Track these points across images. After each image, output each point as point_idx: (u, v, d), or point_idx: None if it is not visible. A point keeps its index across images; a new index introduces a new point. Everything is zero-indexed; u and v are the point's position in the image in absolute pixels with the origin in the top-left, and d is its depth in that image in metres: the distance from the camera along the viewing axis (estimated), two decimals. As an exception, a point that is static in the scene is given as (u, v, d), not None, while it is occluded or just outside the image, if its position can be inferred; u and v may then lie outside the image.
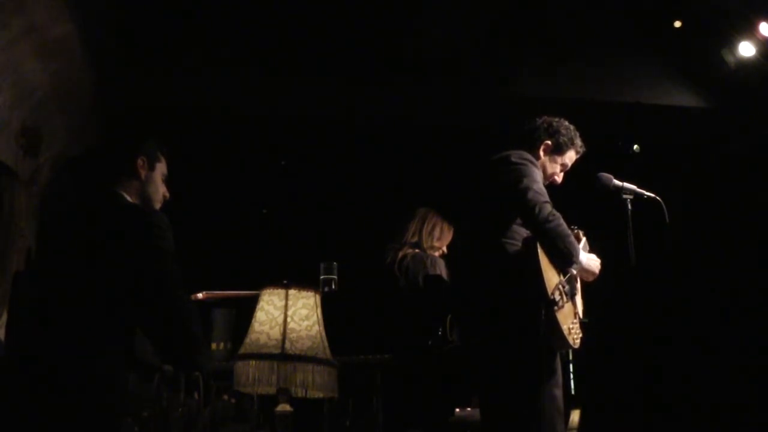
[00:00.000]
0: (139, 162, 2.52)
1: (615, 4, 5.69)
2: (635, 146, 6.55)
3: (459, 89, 5.85)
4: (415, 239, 4.11)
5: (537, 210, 2.81)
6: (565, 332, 2.77)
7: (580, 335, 2.92)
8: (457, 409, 4.05)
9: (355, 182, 6.63)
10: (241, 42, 5.40)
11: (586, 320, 3.01)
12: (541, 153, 3.17)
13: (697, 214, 5.87)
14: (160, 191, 2.58)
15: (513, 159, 2.98)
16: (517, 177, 2.90)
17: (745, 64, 5.57)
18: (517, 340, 2.81)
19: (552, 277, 2.81)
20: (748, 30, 5.43)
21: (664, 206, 3.18)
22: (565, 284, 2.85)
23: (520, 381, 2.83)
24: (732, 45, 5.56)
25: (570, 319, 2.87)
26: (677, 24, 5.71)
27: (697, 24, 5.68)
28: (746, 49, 5.50)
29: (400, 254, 4.07)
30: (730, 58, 5.60)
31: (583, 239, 3.15)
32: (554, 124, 3.20)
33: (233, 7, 5.30)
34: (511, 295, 2.80)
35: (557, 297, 2.77)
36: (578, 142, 3.22)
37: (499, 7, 5.51)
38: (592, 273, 3.00)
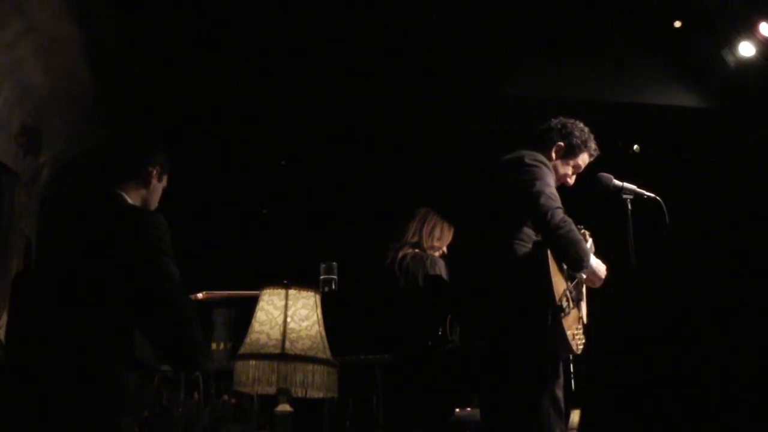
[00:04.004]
0: (152, 171, 2.52)
1: (615, 3, 5.69)
2: (635, 146, 6.55)
3: (459, 89, 5.85)
4: (416, 239, 4.10)
5: (549, 216, 2.77)
6: (570, 338, 2.77)
7: (584, 341, 2.91)
8: (457, 409, 4.04)
9: (355, 182, 6.63)
10: (241, 42, 5.40)
11: (586, 321, 3.01)
12: (554, 154, 3.11)
13: (697, 214, 5.87)
14: (157, 202, 2.59)
15: (527, 160, 2.94)
16: (530, 180, 2.87)
17: (745, 64, 5.56)
18: (522, 343, 2.80)
19: (560, 283, 2.80)
20: (748, 30, 5.43)
21: (664, 206, 3.17)
22: (572, 290, 2.85)
23: (524, 383, 2.81)
24: (732, 45, 5.55)
25: (575, 325, 2.86)
26: (677, 24, 5.70)
27: (697, 24, 5.68)
28: (746, 49, 5.49)
29: (400, 254, 4.06)
30: (730, 58, 5.60)
31: (590, 240, 3.13)
32: (568, 125, 3.15)
33: (233, 7, 5.30)
34: (519, 299, 2.79)
35: (564, 303, 2.76)
36: (592, 144, 3.16)
37: (498, 7, 5.51)
38: (599, 278, 2.98)
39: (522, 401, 2.82)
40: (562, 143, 3.12)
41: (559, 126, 3.16)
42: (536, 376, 2.82)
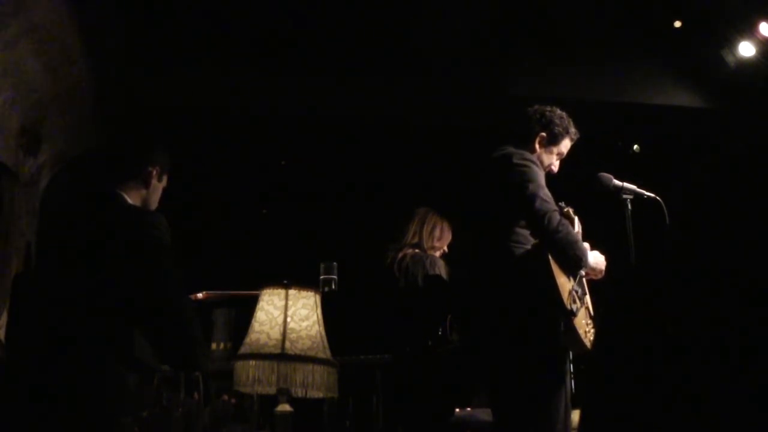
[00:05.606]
0: (152, 170, 2.52)
1: (615, 3, 5.69)
2: (635, 146, 6.55)
3: (459, 89, 5.85)
4: (416, 240, 4.10)
5: (546, 221, 2.77)
6: (582, 336, 2.78)
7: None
8: (457, 409, 4.04)
9: (355, 182, 6.64)
10: (241, 42, 5.40)
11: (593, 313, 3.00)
12: (537, 146, 3.11)
13: (697, 214, 5.87)
14: (157, 202, 2.59)
15: (515, 160, 2.93)
16: (521, 182, 2.86)
17: (745, 64, 5.56)
18: (535, 346, 2.79)
19: (564, 284, 2.79)
20: (748, 30, 5.43)
21: (664, 206, 3.17)
22: (576, 288, 2.85)
23: (541, 383, 2.80)
24: (732, 45, 5.55)
25: (584, 321, 2.86)
26: (677, 24, 5.70)
27: (697, 24, 5.68)
28: (746, 49, 5.49)
29: (400, 254, 4.06)
30: (730, 58, 5.60)
31: (576, 218, 3.09)
32: (547, 114, 3.14)
33: (233, 7, 5.30)
34: (527, 303, 2.78)
35: (574, 306, 2.76)
36: (572, 129, 3.17)
37: (498, 7, 5.51)
38: (600, 271, 2.98)
39: (538, 401, 2.81)
40: (543, 133, 3.12)
41: (538, 115, 3.15)
42: (552, 376, 2.82)
